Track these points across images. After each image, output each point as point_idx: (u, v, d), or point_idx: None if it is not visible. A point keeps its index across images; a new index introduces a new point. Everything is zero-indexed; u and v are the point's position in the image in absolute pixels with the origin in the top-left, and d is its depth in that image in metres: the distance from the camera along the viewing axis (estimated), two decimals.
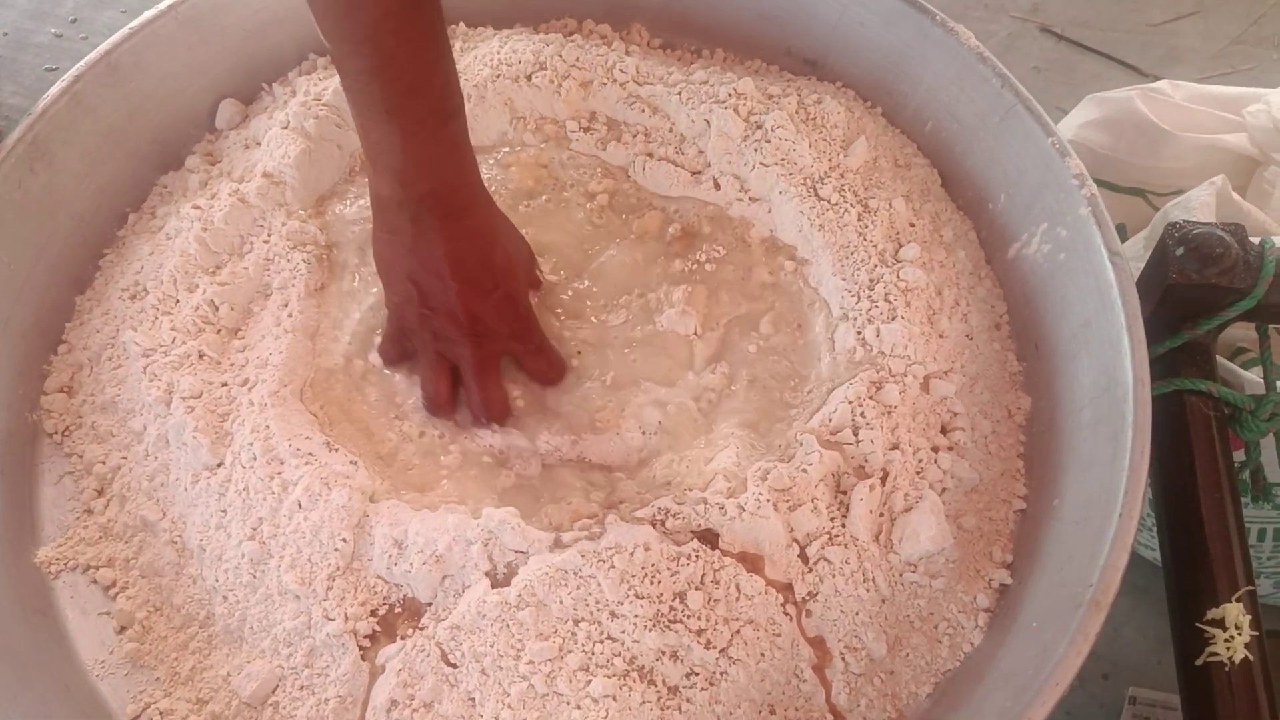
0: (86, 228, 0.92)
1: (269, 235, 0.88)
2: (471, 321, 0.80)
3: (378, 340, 0.87)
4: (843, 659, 0.72)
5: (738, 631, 0.71)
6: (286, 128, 0.91)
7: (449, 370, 0.84)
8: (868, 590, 0.73)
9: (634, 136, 0.94)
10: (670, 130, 0.93)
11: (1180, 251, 0.79)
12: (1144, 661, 1.22)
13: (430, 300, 0.80)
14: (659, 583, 0.71)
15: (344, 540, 0.74)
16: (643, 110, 0.93)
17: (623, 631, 0.70)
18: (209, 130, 1.00)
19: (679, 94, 0.92)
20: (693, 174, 0.92)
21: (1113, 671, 1.20)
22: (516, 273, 0.83)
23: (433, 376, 0.83)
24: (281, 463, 0.76)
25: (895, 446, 0.77)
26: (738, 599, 0.71)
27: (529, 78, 0.93)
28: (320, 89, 0.93)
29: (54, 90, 0.88)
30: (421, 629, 0.73)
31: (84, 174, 0.91)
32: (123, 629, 0.78)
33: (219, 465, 0.78)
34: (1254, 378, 0.87)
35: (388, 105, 0.72)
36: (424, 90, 0.73)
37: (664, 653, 0.70)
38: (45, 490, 0.84)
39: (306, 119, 0.91)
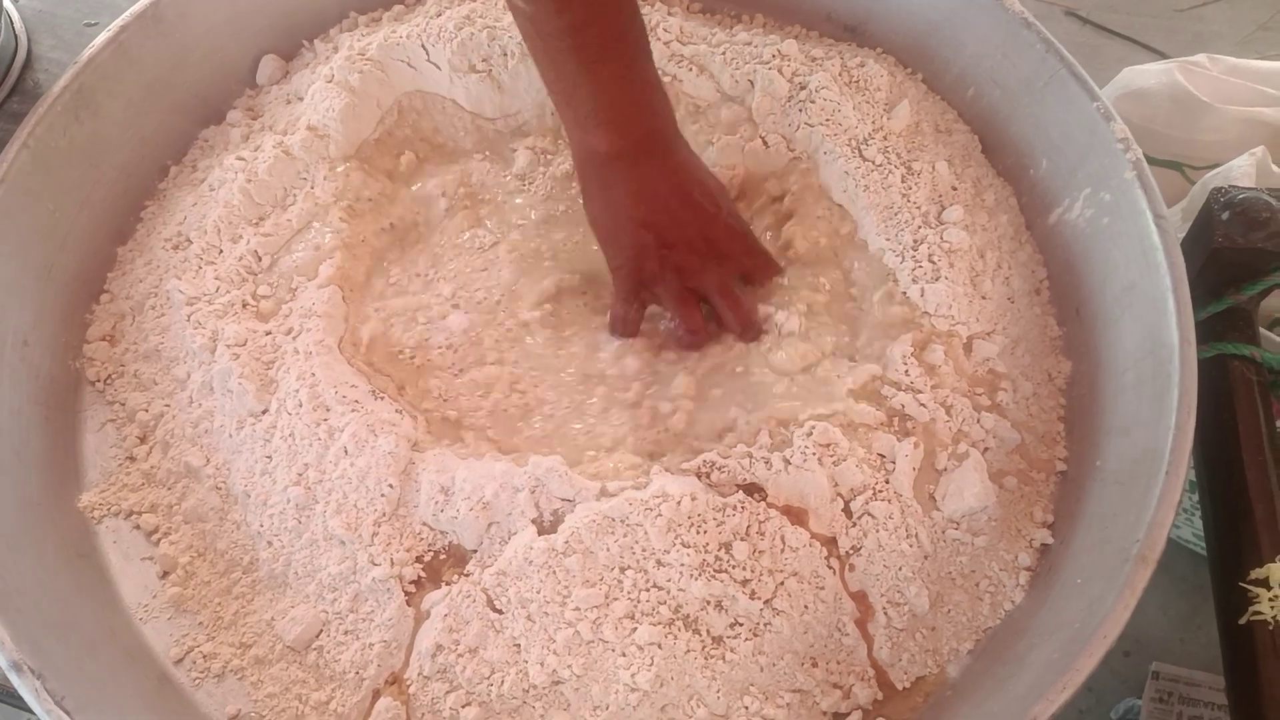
0: (129, 178, 0.92)
1: (312, 187, 0.88)
2: (710, 246, 0.82)
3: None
4: (885, 614, 0.73)
5: (782, 583, 0.71)
6: (331, 81, 0.91)
7: (699, 303, 0.85)
8: (911, 546, 0.73)
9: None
10: (716, 90, 0.93)
11: (1226, 216, 0.79)
12: (1166, 638, 1.22)
13: (667, 237, 0.81)
14: (705, 532, 0.71)
15: (390, 486, 0.74)
16: (689, 69, 0.92)
17: (669, 580, 0.70)
18: (250, 85, 1.00)
19: (723, 54, 0.92)
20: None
21: (1134, 649, 1.20)
22: (728, 194, 0.86)
23: (689, 312, 0.84)
24: (328, 409, 0.77)
25: (939, 405, 0.77)
26: (782, 551, 0.72)
27: None
28: (364, 44, 0.93)
29: (99, 40, 0.89)
30: (467, 575, 0.73)
31: (127, 125, 0.91)
32: (166, 574, 0.78)
33: (264, 412, 0.79)
34: None
35: (594, 56, 0.72)
36: (627, 33, 0.74)
37: (709, 602, 0.70)
38: (88, 437, 0.84)
39: (351, 73, 0.91)
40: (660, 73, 0.92)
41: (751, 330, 0.84)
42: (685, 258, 0.82)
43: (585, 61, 0.73)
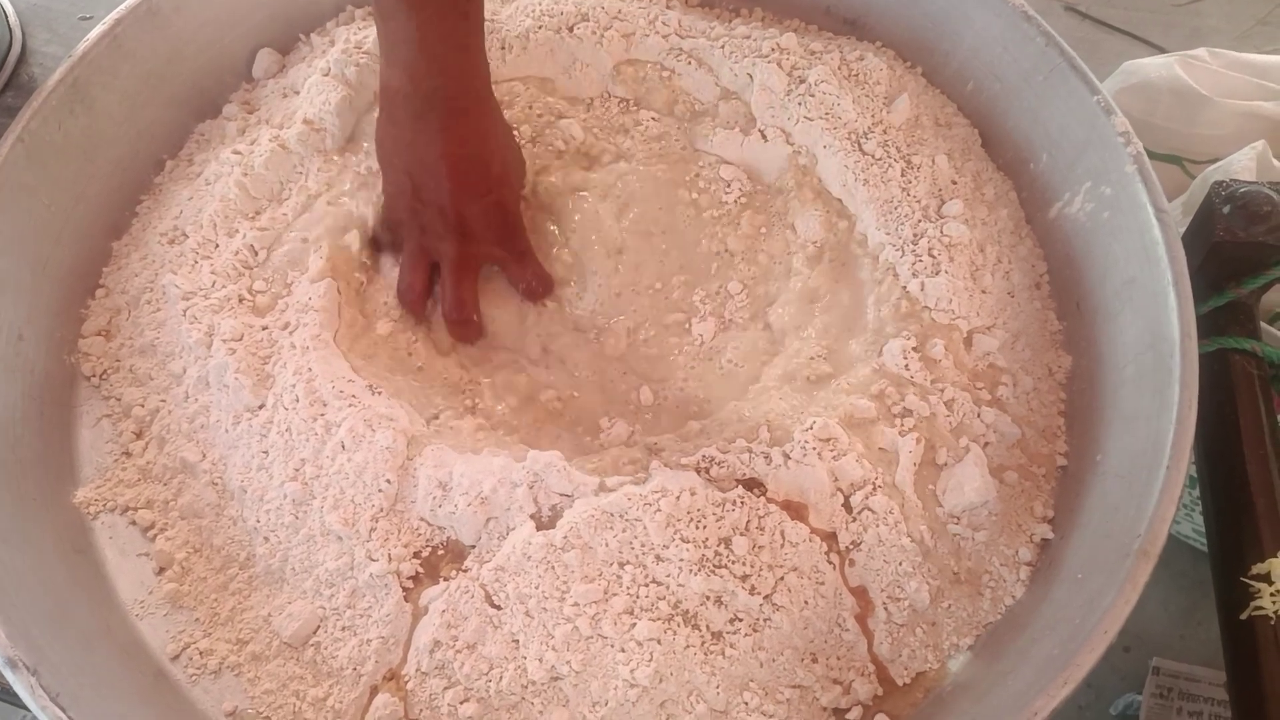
0: (124, 172, 0.92)
1: (308, 180, 0.88)
2: (459, 221, 0.82)
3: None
4: (885, 609, 0.72)
5: (782, 578, 0.71)
6: (328, 74, 0.90)
7: (428, 265, 0.85)
8: (911, 541, 0.73)
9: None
10: (715, 84, 0.92)
11: (1227, 209, 0.79)
12: (1166, 634, 1.22)
13: (422, 194, 0.81)
14: (704, 527, 0.70)
15: (388, 481, 0.74)
16: (688, 62, 0.92)
17: (668, 575, 0.70)
18: (246, 79, 0.99)
19: (721, 47, 0.91)
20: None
21: (1134, 644, 1.20)
22: (511, 181, 0.85)
23: (411, 267, 0.85)
24: (325, 404, 0.76)
25: (940, 399, 0.77)
26: (782, 546, 0.71)
27: (571, 29, 0.92)
28: (361, 37, 0.93)
29: (94, 33, 0.88)
30: (465, 571, 0.73)
31: (123, 118, 0.91)
32: (162, 570, 0.78)
33: (261, 407, 0.78)
34: None
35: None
36: None
37: (708, 597, 0.70)
38: (83, 432, 0.84)
39: (348, 66, 0.90)
40: (659, 67, 0.92)
41: (461, 315, 0.84)
42: (431, 219, 0.82)
43: (410, 3, 0.73)
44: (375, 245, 0.88)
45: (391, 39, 0.77)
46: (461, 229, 0.83)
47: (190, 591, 0.77)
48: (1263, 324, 0.84)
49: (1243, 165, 0.93)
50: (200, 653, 0.74)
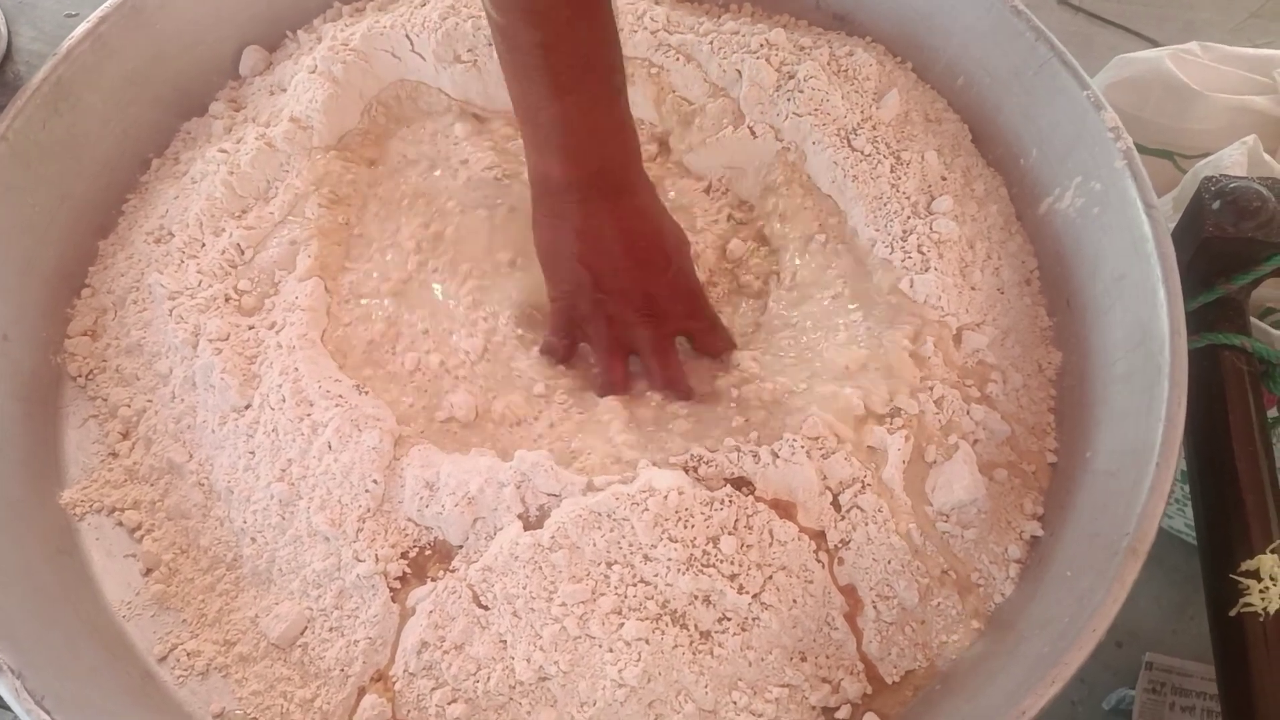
0: (110, 172, 0.91)
1: (295, 178, 0.87)
2: (648, 302, 0.79)
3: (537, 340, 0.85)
4: (874, 607, 0.72)
5: (770, 577, 0.70)
6: (314, 72, 0.90)
7: (626, 355, 0.82)
8: (900, 539, 0.73)
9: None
10: (704, 80, 0.92)
11: (1217, 205, 0.79)
12: (1158, 629, 1.22)
13: (604, 283, 0.78)
14: (692, 526, 0.70)
15: (375, 482, 0.74)
16: (676, 58, 0.92)
17: (655, 575, 0.69)
18: (232, 77, 0.99)
19: (710, 43, 0.91)
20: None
21: (1127, 640, 1.20)
22: (686, 250, 0.82)
23: (611, 363, 0.82)
24: (311, 404, 0.76)
25: (929, 396, 0.77)
26: (771, 545, 0.71)
27: None
28: (348, 34, 0.92)
29: (78, 31, 0.88)
30: (453, 571, 0.72)
31: (108, 117, 0.90)
32: (149, 571, 0.78)
33: (247, 407, 0.78)
34: None
35: (562, 81, 0.70)
36: (598, 64, 0.71)
37: (696, 597, 0.69)
38: (70, 433, 0.84)
39: (335, 63, 0.90)
40: (648, 63, 0.92)
41: (678, 392, 0.82)
42: (619, 308, 0.79)
43: (553, 84, 0.70)
44: (552, 353, 0.84)
45: (546, 128, 0.73)
46: (652, 309, 0.79)
47: (177, 593, 0.76)
48: (1253, 320, 0.84)
49: (1234, 160, 0.93)
50: (188, 654, 0.74)
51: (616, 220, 0.76)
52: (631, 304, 0.79)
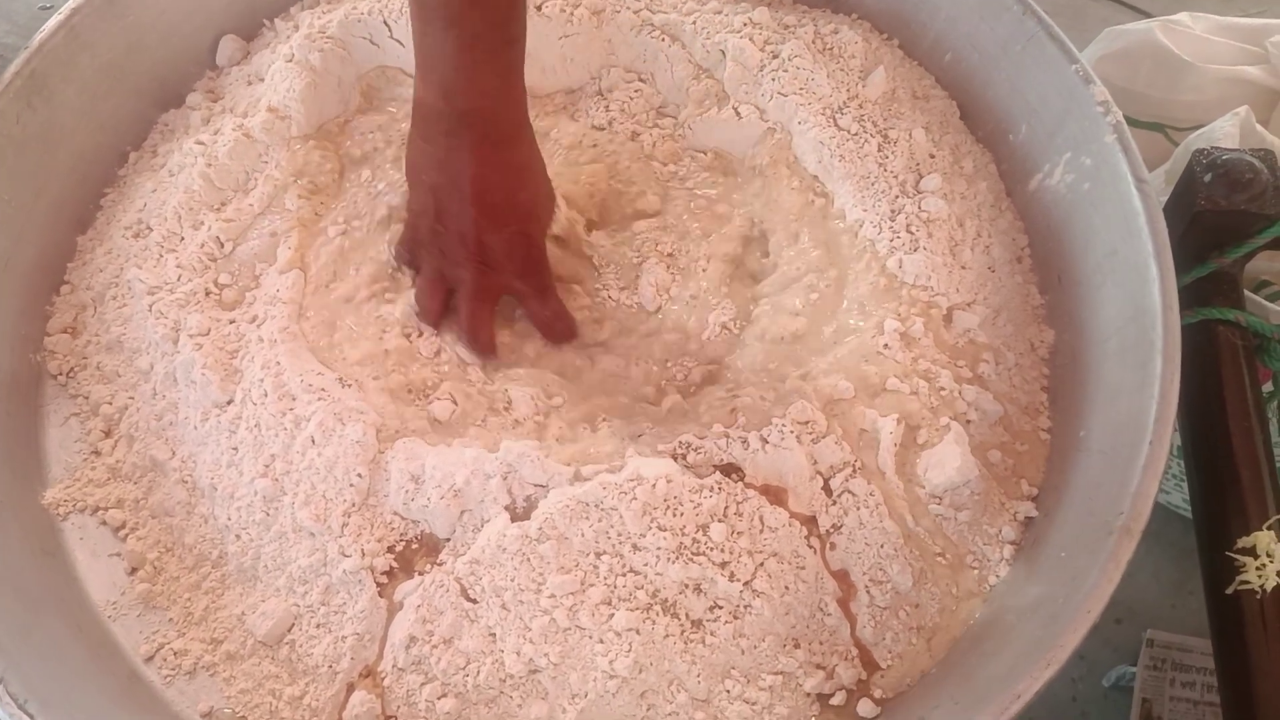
0: (87, 166, 0.90)
1: (274, 169, 0.86)
2: (479, 249, 0.79)
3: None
4: (868, 592, 0.71)
5: (761, 564, 0.70)
6: (291, 60, 0.89)
7: (445, 291, 0.82)
8: (892, 523, 0.72)
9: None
10: (688, 60, 0.90)
11: (1208, 178, 0.78)
12: (1158, 605, 1.22)
13: (444, 218, 0.79)
14: (681, 515, 0.69)
15: (359, 476, 0.73)
16: (661, 39, 0.90)
17: (645, 564, 0.69)
18: (210, 67, 0.97)
19: (693, 23, 0.90)
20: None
21: (1126, 616, 1.20)
22: (539, 214, 0.82)
23: (428, 291, 0.82)
24: (294, 399, 0.75)
25: (920, 378, 0.76)
26: (761, 531, 0.70)
27: (539, 8, 0.91)
28: (324, 22, 0.91)
29: (50, 24, 0.86)
30: (440, 565, 0.72)
31: (83, 110, 0.89)
32: (134, 570, 0.77)
33: (229, 402, 0.77)
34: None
35: (449, 13, 0.70)
36: (487, 6, 0.71)
37: (687, 585, 0.69)
38: (51, 432, 0.82)
39: (311, 52, 0.89)
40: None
41: (477, 344, 0.82)
42: (452, 244, 0.80)
43: (438, 14, 0.71)
44: (398, 257, 0.85)
45: (428, 52, 0.74)
46: (481, 257, 0.79)
47: (163, 591, 0.76)
48: (1247, 293, 0.83)
49: (1225, 132, 0.92)
50: (174, 653, 0.73)
51: (474, 165, 0.76)
52: (465, 245, 0.79)
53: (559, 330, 0.84)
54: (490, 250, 0.79)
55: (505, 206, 0.78)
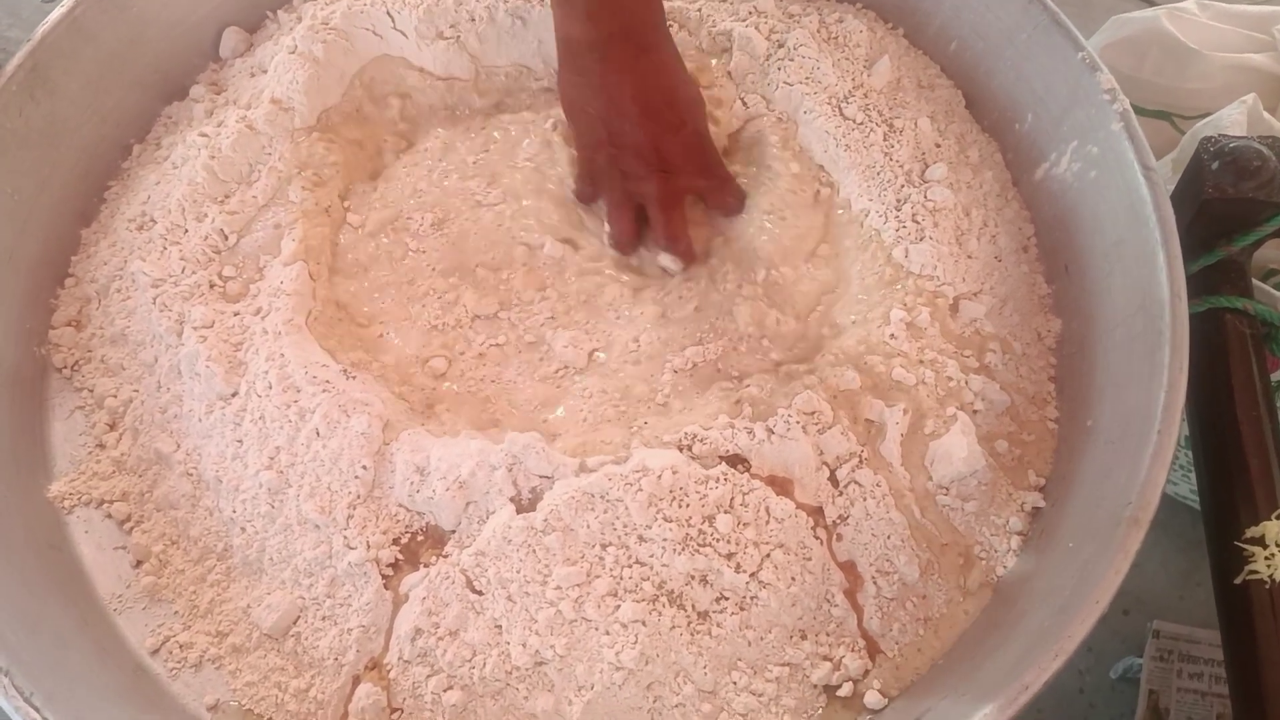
0: (90, 158, 0.90)
1: (277, 161, 0.86)
2: (659, 158, 0.81)
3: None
4: (874, 583, 0.71)
5: (768, 555, 0.69)
6: (294, 52, 0.88)
7: (635, 209, 0.85)
8: (899, 514, 0.72)
9: None
10: (697, 49, 0.90)
11: (1216, 165, 0.77)
12: (1165, 596, 1.22)
13: (618, 139, 0.81)
14: (687, 506, 0.69)
15: (364, 468, 0.72)
16: (669, 24, 0.89)
17: (651, 555, 0.68)
18: (213, 59, 0.97)
19: (698, 10, 0.90)
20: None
21: (1134, 607, 1.19)
22: (700, 110, 0.84)
23: (618, 215, 0.85)
24: (298, 390, 0.75)
25: (926, 368, 0.75)
26: (767, 522, 0.70)
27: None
28: (327, 13, 0.90)
29: (53, 16, 0.86)
30: (445, 556, 0.71)
31: (86, 103, 0.89)
32: (139, 563, 0.77)
33: (233, 395, 0.77)
34: None
35: None
36: None
37: (693, 577, 0.68)
38: (56, 425, 0.82)
39: (314, 43, 0.88)
40: None
41: (678, 248, 0.84)
42: (632, 162, 0.82)
43: None
44: (580, 196, 0.87)
45: None
46: (662, 165, 0.82)
47: (168, 584, 0.75)
48: (1255, 282, 0.83)
49: (1233, 120, 0.92)
50: (180, 646, 0.73)
51: (633, 78, 0.79)
52: (644, 159, 0.82)
53: (736, 208, 0.85)
54: (668, 155, 0.82)
55: (669, 110, 0.81)
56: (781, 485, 0.72)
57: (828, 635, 0.70)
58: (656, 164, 0.82)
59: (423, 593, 0.70)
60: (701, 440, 0.72)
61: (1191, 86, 1.02)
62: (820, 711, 0.69)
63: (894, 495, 0.72)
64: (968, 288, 0.80)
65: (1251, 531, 0.70)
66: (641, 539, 0.69)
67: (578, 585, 0.68)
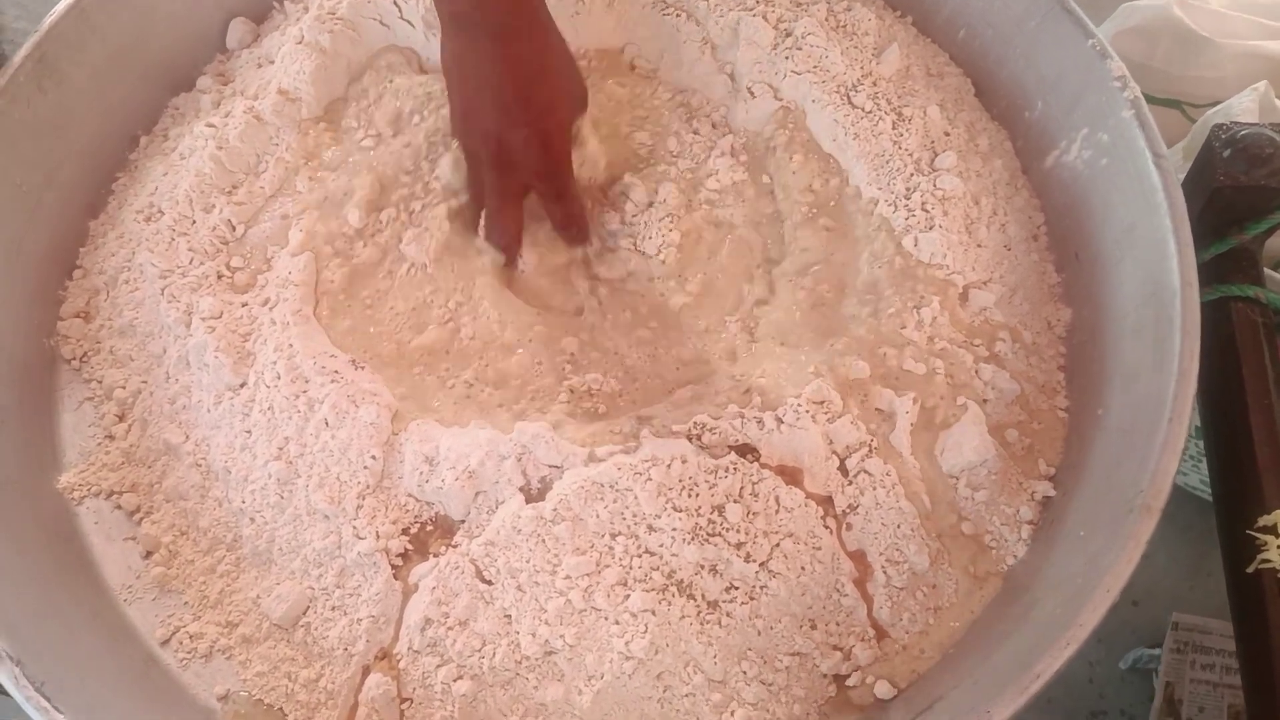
0: (98, 150, 0.90)
1: (284, 152, 0.86)
2: (499, 149, 0.79)
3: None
4: (884, 573, 0.71)
5: (778, 545, 0.69)
6: (301, 42, 0.88)
7: (479, 195, 0.83)
8: (909, 503, 0.72)
9: None
10: (703, 40, 0.90)
11: (1227, 153, 0.77)
12: (1175, 587, 1.21)
13: (469, 119, 0.80)
14: (697, 495, 0.69)
15: (373, 458, 0.72)
16: (677, 15, 0.90)
17: (661, 545, 0.68)
18: (220, 50, 0.97)
19: (706, 0, 0.89)
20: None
21: (1144, 598, 1.19)
22: (558, 110, 0.80)
23: (470, 198, 0.84)
24: (307, 381, 0.75)
25: (936, 357, 0.75)
26: (777, 512, 0.70)
27: None
28: (334, 3, 0.90)
29: (60, 7, 0.86)
30: (455, 546, 0.71)
31: (94, 94, 0.89)
32: (149, 554, 0.77)
33: (242, 385, 0.77)
34: None
35: None
36: None
37: (703, 566, 0.68)
38: (65, 416, 0.82)
39: (321, 33, 0.88)
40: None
41: (496, 241, 0.82)
42: (475, 145, 0.81)
43: None
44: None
45: None
46: (501, 157, 0.79)
47: (178, 575, 0.76)
48: (1267, 270, 0.82)
49: (1244, 107, 0.91)
50: (190, 636, 0.73)
51: (492, 64, 0.76)
52: (487, 145, 0.79)
53: (570, 233, 0.84)
54: (509, 148, 0.79)
55: (519, 105, 0.77)
56: (791, 475, 0.72)
57: (837, 625, 0.70)
58: (496, 155, 0.79)
59: (432, 583, 0.70)
60: (711, 430, 0.72)
61: (1203, 74, 1.01)
62: (830, 701, 0.69)
63: (904, 484, 0.72)
64: (977, 276, 0.79)
65: (1263, 520, 0.70)
66: (651, 528, 0.68)
67: (587, 575, 0.68)
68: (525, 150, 0.78)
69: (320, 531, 0.72)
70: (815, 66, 0.85)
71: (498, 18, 0.74)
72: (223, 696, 0.72)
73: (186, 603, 0.75)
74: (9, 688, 0.64)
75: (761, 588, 0.69)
